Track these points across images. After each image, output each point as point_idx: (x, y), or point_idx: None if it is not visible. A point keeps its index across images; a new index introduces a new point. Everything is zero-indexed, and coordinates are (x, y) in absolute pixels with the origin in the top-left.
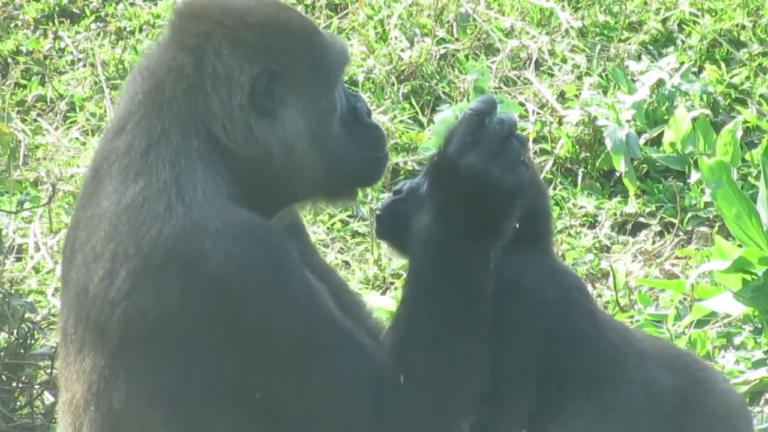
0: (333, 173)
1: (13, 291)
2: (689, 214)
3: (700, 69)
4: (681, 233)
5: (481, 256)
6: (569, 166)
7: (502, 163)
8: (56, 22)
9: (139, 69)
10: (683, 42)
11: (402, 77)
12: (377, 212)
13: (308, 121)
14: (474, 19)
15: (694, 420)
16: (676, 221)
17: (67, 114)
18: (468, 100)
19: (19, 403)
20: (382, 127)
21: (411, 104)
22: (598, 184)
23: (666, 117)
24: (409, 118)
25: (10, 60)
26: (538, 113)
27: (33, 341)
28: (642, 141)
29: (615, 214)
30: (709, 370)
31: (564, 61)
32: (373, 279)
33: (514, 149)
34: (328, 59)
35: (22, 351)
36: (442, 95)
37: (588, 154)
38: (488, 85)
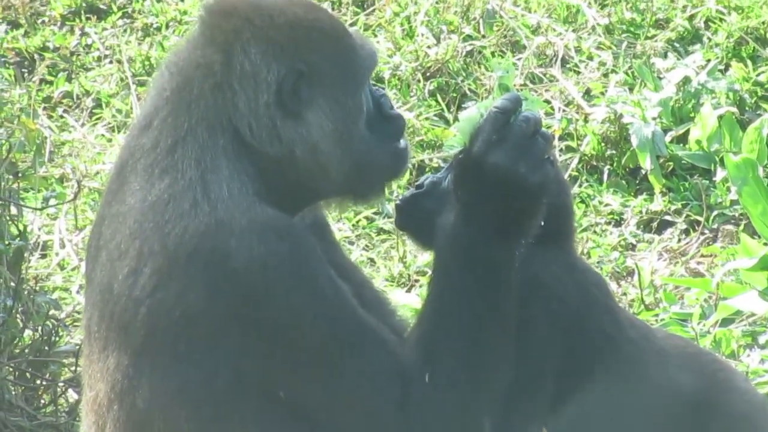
0: (357, 173)
1: (37, 288)
2: (715, 212)
3: (727, 66)
4: (707, 231)
5: (506, 254)
6: (595, 163)
7: (528, 160)
8: (83, 18)
9: (166, 65)
10: (710, 39)
11: (428, 74)
12: (397, 203)
13: (334, 123)
14: (500, 16)
15: (714, 419)
16: (701, 219)
17: (93, 110)
18: (493, 97)
19: (42, 401)
20: (401, 115)
21: (437, 101)
22: (623, 181)
23: (692, 114)
24: (434, 115)
25: (36, 56)
26: (563, 110)
27: (57, 338)
28: (668, 138)
29: (640, 211)
30: (729, 370)
31: (590, 58)
32: (398, 276)
33: (539, 147)
34: (356, 61)
35: (46, 348)
36: (468, 92)
37: (614, 152)
38: (513, 83)
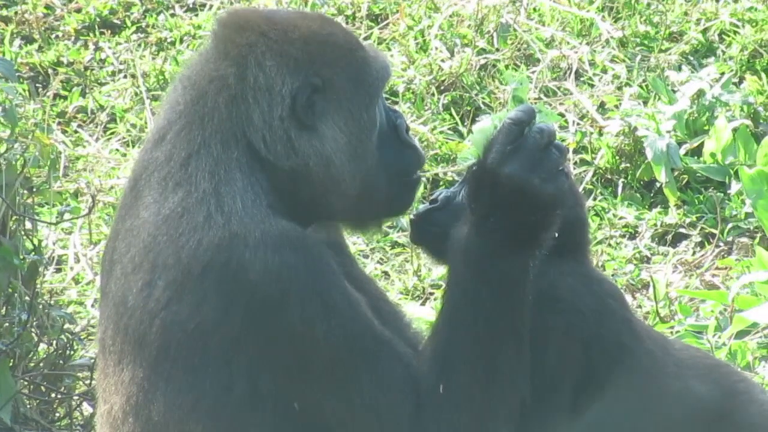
0: (367, 189)
1: (52, 302)
2: (730, 225)
3: (741, 79)
4: (721, 244)
5: (521, 265)
6: (609, 176)
7: (542, 172)
8: (97, 33)
9: (180, 79)
10: (724, 52)
11: (442, 87)
12: (412, 218)
13: (348, 136)
14: (514, 30)
15: (731, 430)
16: (716, 232)
17: (108, 125)
18: (507, 109)
19: (58, 414)
20: (420, 148)
21: (451, 115)
22: (638, 194)
23: (706, 127)
24: (449, 128)
25: (51, 71)
26: (578, 124)
27: (72, 352)
28: (682, 151)
29: (655, 224)
30: (747, 382)
31: (604, 71)
32: (413, 289)
33: (553, 158)
34: (370, 74)
35: (61, 362)
36: (482, 106)
37: (628, 165)
38: (527, 95)
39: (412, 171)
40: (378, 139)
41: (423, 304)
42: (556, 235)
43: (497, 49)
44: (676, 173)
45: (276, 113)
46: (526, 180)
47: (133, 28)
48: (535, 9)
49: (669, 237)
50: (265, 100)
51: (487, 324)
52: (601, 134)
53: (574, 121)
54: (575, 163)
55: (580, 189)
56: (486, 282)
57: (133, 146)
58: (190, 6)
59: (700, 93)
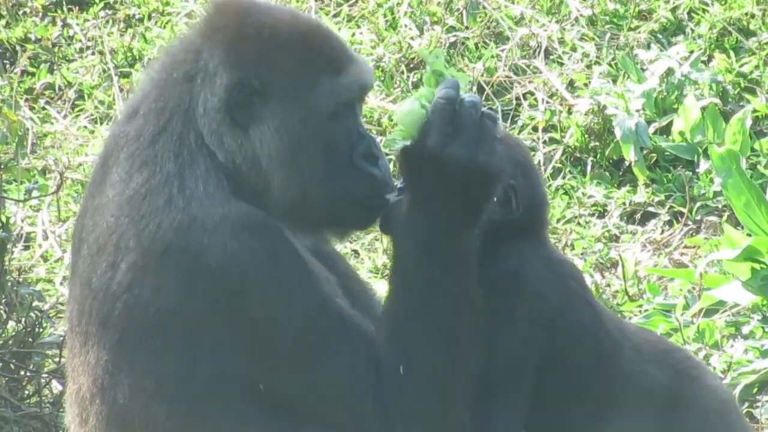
0: (305, 200)
1: (21, 279)
2: (698, 204)
3: (710, 58)
4: (690, 222)
5: (467, 238)
6: (578, 155)
7: (484, 147)
8: (65, 9)
9: (165, 49)
10: (693, 31)
11: (411, 66)
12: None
13: (279, 144)
14: (484, 7)
15: (685, 415)
16: (685, 210)
17: (76, 102)
18: (427, 85)
19: (27, 392)
20: (380, 175)
21: None
22: (607, 173)
23: (675, 106)
24: None
25: (18, 47)
26: (547, 102)
27: (41, 330)
28: (651, 130)
29: (624, 203)
30: (700, 367)
31: (573, 49)
32: (382, 268)
33: (490, 130)
34: (317, 93)
35: (30, 339)
36: None
37: (597, 143)
38: (444, 65)
39: (363, 196)
40: (329, 157)
41: None
42: (516, 215)
43: (467, 27)
44: (645, 152)
45: (212, 104)
46: (472, 159)
47: (101, 5)
48: None
49: (638, 216)
50: (209, 87)
51: (438, 301)
52: (570, 113)
53: (543, 100)
54: (544, 142)
55: (550, 167)
56: (437, 260)
57: (101, 123)
58: None
59: (669, 71)
